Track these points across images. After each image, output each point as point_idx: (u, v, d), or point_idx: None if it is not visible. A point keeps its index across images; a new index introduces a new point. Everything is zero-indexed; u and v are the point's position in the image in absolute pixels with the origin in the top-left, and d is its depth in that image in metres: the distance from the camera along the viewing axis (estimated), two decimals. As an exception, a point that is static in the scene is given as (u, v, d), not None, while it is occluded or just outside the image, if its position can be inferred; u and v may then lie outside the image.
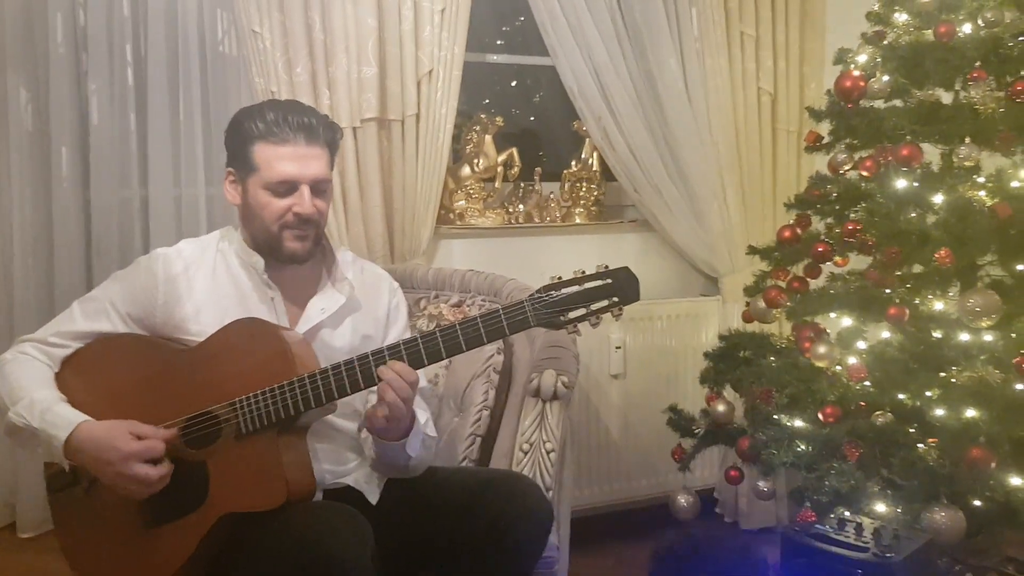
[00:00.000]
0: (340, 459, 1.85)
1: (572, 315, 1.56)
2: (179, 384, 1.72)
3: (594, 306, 1.57)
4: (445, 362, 2.23)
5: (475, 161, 3.06)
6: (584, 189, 3.24)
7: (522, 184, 3.20)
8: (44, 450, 1.68)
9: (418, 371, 1.65)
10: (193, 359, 1.73)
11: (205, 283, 1.83)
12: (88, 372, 1.79)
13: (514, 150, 3.13)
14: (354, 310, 1.90)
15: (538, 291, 1.57)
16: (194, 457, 1.66)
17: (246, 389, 1.64)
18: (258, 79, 2.60)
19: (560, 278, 1.59)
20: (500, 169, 3.11)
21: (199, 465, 1.66)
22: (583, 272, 1.59)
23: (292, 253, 1.80)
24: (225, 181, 1.85)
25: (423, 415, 1.84)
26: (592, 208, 3.24)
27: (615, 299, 1.56)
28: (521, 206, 3.18)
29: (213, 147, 2.85)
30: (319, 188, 1.80)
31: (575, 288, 1.57)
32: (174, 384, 1.72)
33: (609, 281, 1.57)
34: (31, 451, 1.72)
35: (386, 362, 1.62)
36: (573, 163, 3.27)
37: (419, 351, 1.62)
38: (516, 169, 3.14)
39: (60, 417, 1.67)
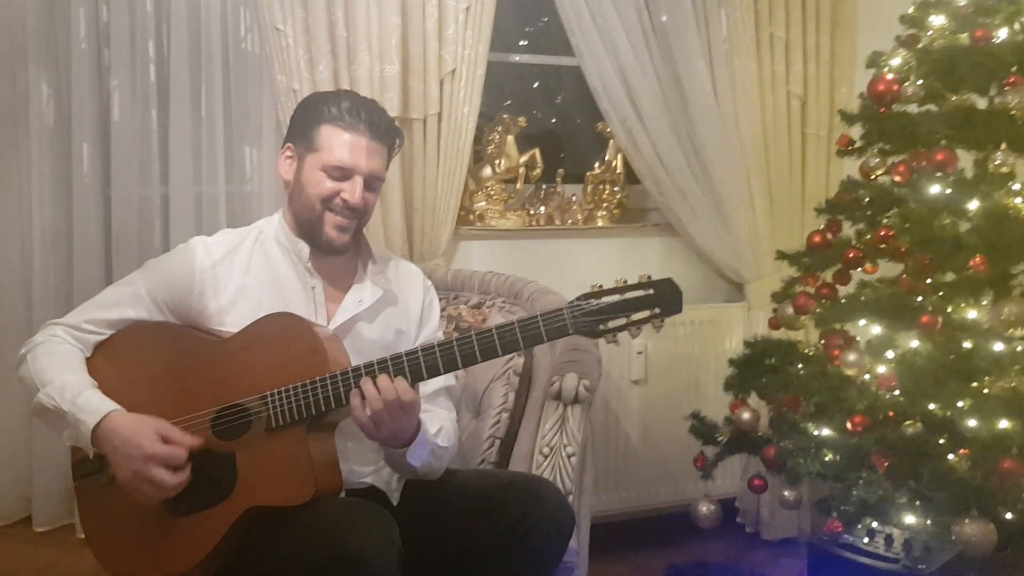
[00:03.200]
0: (365, 459, 1.84)
1: (612, 324, 1.54)
2: (211, 375, 1.71)
3: (635, 316, 1.54)
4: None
5: (496, 162, 3.04)
6: (607, 191, 3.20)
7: (544, 186, 3.17)
8: (69, 434, 1.67)
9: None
10: (225, 351, 1.73)
11: (241, 273, 1.83)
12: (120, 359, 1.79)
13: (536, 151, 3.10)
14: (389, 304, 1.91)
15: (577, 299, 1.56)
16: (223, 449, 1.66)
17: (278, 383, 1.64)
18: (280, 76, 2.59)
19: (601, 286, 1.57)
20: (522, 170, 3.08)
21: (228, 457, 1.65)
22: (625, 281, 1.56)
23: (330, 240, 1.82)
24: (281, 156, 1.88)
25: (435, 424, 1.81)
26: (615, 211, 3.20)
27: (657, 310, 1.54)
28: (542, 208, 3.14)
29: (234, 145, 2.84)
30: (372, 184, 1.84)
31: (616, 297, 1.54)
32: (206, 375, 1.72)
33: (651, 292, 1.54)
34: (56, 433, 1.70)
35: (420, 364, 1.60)
36: (596, 165, 3.24)
37: (454, 355, 1.60)
38: (538, 170, 3.11)
39: (91, 403, 1.66)
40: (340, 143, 1.79)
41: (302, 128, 1.83)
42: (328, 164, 1.79)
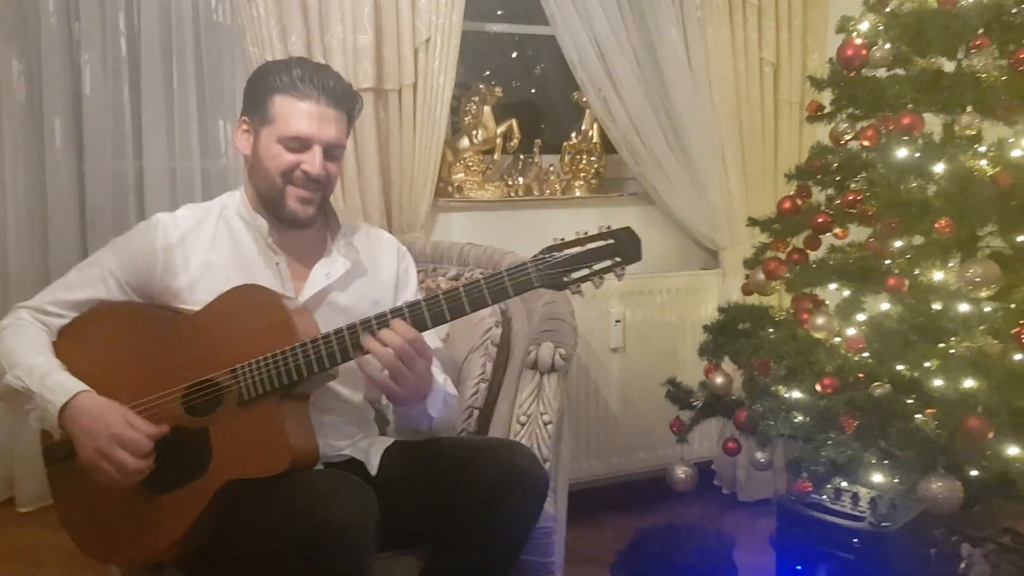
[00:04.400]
0: (342, 432, 1.85)
1: (575, 275, 1.56)
2: (179, 352, 1.71)
3: (597, 266, 1.56)
4: (444, 334, 2.22)
5: (474, 133, 3.04)
6: (584, 162, 3.22)
7: (521, 156, 3.18)
8: (37, 416, 1.67)
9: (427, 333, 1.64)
10: (192, 327, 1.72)
11: (205, 250, 1.81)
12: (87, 340, 1.77)
13: (513, 122, 3.10)
14: (361, 275, 1.90)
15: (541, 252, 1.57)
16: (196, 425, 1.66)
17: (247, 356, 1.63)
18: (252, 48, 2.57)
19: (563, 239, 1.58)
20: (499, 141, 3.08)
21: (201, 433, 1.65)
22: (585, 233, 1.58)
23: (293, 214, 1.79)
24: (237, 130, 1.83)
25: (440, 375, 1.83)
26: (592, 181, 3.22)
27: (618, 259, 1.56)
28: (520, 179, 3.15)
29: (208, 118, 2.83)
30: (332, 153, 1.79)
31: (578, 249, 1.56)
32: (174, 352, 1.71)
33: (612, 241, 1.56)
34: (23, 416, 1.70)
35: (388, 325, 1.60)
36: (573, 135, 3.25)
37: (422, 314, 1.61)
38: (515, 141, 3.12)
39: (59, 384, 1.65)
40: (296, 113, 1.74)
41: (256, 100, 1.78)
42: (284, 135, 1.74)
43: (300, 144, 1.76)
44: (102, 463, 1.60)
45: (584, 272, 1.56)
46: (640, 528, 1.83)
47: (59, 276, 1.89)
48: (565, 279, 1.56)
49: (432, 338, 1.85)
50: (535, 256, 1.57)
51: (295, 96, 1.74)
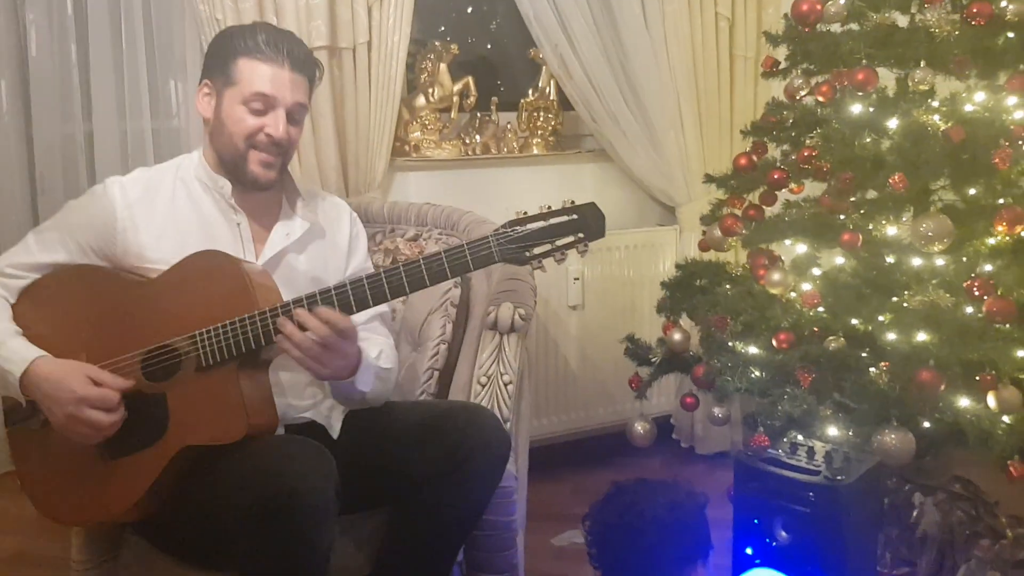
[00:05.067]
0: (302, 393, 1.85)
1: (537, 251, 1.56)
2: (138, 316, 1.70)
3: (559, 242, 1.56)
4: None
5: (430, 91, 3.01)
6: (541, 119, 3.20)
7: (478, 114, 3.15)
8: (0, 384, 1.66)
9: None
10: (153, 291, 1.72)
11: (164, 209, 1.80)
12: (45, 304, 1.77)
13: (470, 79, 3.07)
14: (317, 237, 1.91)
15: (503, 226, 1.56)
16: (153, 390, 1.66)
17: (207, 322, 1.63)
18: (202, 6, 2.52)
19: (525, 213, 1.57)
20: (456, 99, 3.05)
21: (159, 398, 1.65)
22: (549, 207, 1.57)
23: (255, 178, 1.79)
24: (198, 93, 1.82)
25: (375, 348, 1.83)
26: (550, 138, 3.21)
27: (580, 235, 1.56)
28: (478, 137, 3.14)
29: (158, 78, 2.76)
30: (294, 116, 1.80)
31: (540, 224, 1.56)
32: (133, 316, 1.71)
33: (575, 217, 1.56)
34: None
35: (349, 297, 1.60)
36: (530, 92, 3.22)
37: (382, 286, 1.61)
38: (472, 99, 3.09)
39: (15, 352, 1.65)
40: (260, 75, 1.74)
41: (219, 63, 1.78)
42: (248, 93, 1.74)
43: (265, 103, 1.75)
44: (76, 426, 1.61)
45: (546, 248, 1.56)
46: (614, 482, 1.86)
47: (11, 242, 1.86)
48: (527, 254, 1.56)
49: (382, 308, 1.87)
50: (496, 230, 1.56)
51: (260, 59, 1.75)
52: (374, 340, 1.87)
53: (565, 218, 1.56)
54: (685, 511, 1.80)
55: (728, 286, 2.51)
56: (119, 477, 1.66)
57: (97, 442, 1.64)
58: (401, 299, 2.27)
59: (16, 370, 1.63)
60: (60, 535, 1.83)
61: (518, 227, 1.56)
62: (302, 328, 1.59)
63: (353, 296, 1.61)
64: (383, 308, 1.94)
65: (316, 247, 1.90)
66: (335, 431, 1.86)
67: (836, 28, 2.41)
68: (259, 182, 1.80)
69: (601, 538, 1.84)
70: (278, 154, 1.79)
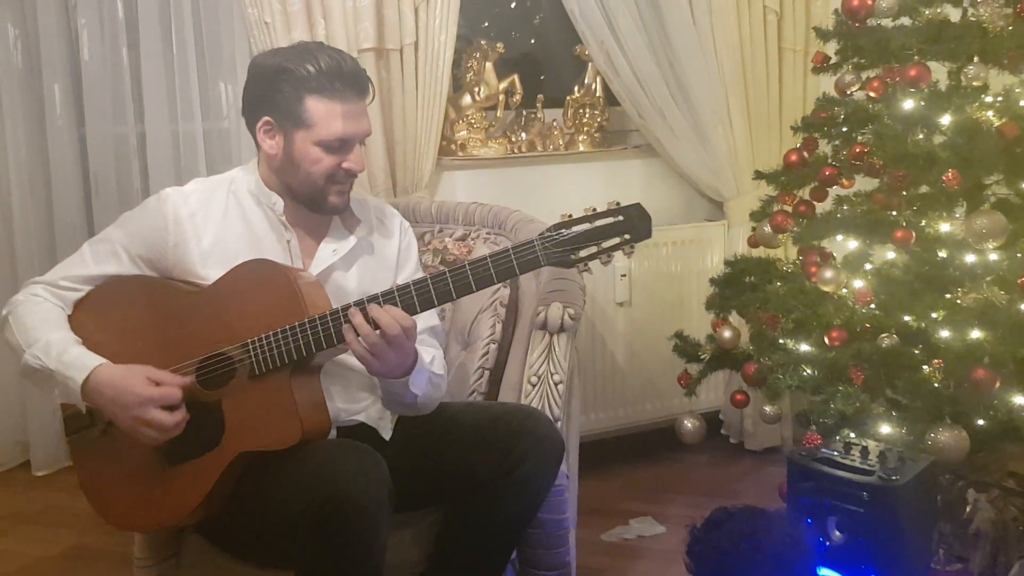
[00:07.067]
0: (353, 398, 1.86)
1: (583, 253, 1.55)
2: (191, 325, 1.72)
3: (605, 244, 1.55)
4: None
5: (476, 89, 3.01)
6: (587, 115, 3.19)
7: (524, 112, 3.15)
8: (60, 392, 1.69)
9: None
10: (205, 300, 1.74)
11: (217, 225, 1.81)
12: (101, 314, 1.79)
13: (515, 77, 3.07)
14: (365, 252, 1.90)
15: (548, 229, 1.56)
16: (209, 398, 1.68)
17: (258, 330, 1.65)
18: (251, 9, 2.55)
19: (571, 215, 1.56)
20: (501, 97, 3.06)
21: (214, 405, 1.68)
22: (594, 209, 1.56)
23: (334, 207, 1.80)
24: (258, 130, 1.77)
25: (428, 353, 1.84)
26: (596, 135, 3.20)
27: (627, 236, 1.55)
28: (524, 134, 3.14)
29: (208, 81, 2.81)
30: (364, 141, 1.80)
31: (586, 226, 1.54)
32: (186, 325, 1.73)
33: (621, 218, 1.54)
34: (47, 393, 1.73)
35: (397, 303, 1.61)
36: (576, 89, 3.22)
37: (429, 292, 1.61)
38: (518, 96, 3.09)
39: (77, 360, 1.67)
40: (334, 116, 1.71)
41: (280, 100, 1.72)
42: (326, 139, 1.72)
43: (342, 145, 1.74)
44: (142, 428, 1.64)
45: (592, 250, 1.55)
46: (722, 507, 1.80)
47: (66, 243, 1.92)
48: (572, 257, 1.55)
49: (430, 315, 1.87)
50: (542, 234, 1.55)
51: (329, 97, 1.71)
52: (426, 349, 1.87)
53: (611, 220, 1.55)
54: (801, 548, 1.74)
55: (779, 283, 2.49)
56: (178, 483, 1.69)
57: (162, 444, 1.67)
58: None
59: (78, 377, 1.65)
60: (116, 529, 1.87)
61: (563, 230, 1.55)
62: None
63: (400, 303, 1.62)
64: (434, 321, 1.94)
65: (363, 262, 1.89)
66: (387, 433, 1.88)
67: (887, 23, 2.38)
68: (338, 209, 1.81)
69: (707, 562, 1.79)
70: (352, 180, 1.80)
